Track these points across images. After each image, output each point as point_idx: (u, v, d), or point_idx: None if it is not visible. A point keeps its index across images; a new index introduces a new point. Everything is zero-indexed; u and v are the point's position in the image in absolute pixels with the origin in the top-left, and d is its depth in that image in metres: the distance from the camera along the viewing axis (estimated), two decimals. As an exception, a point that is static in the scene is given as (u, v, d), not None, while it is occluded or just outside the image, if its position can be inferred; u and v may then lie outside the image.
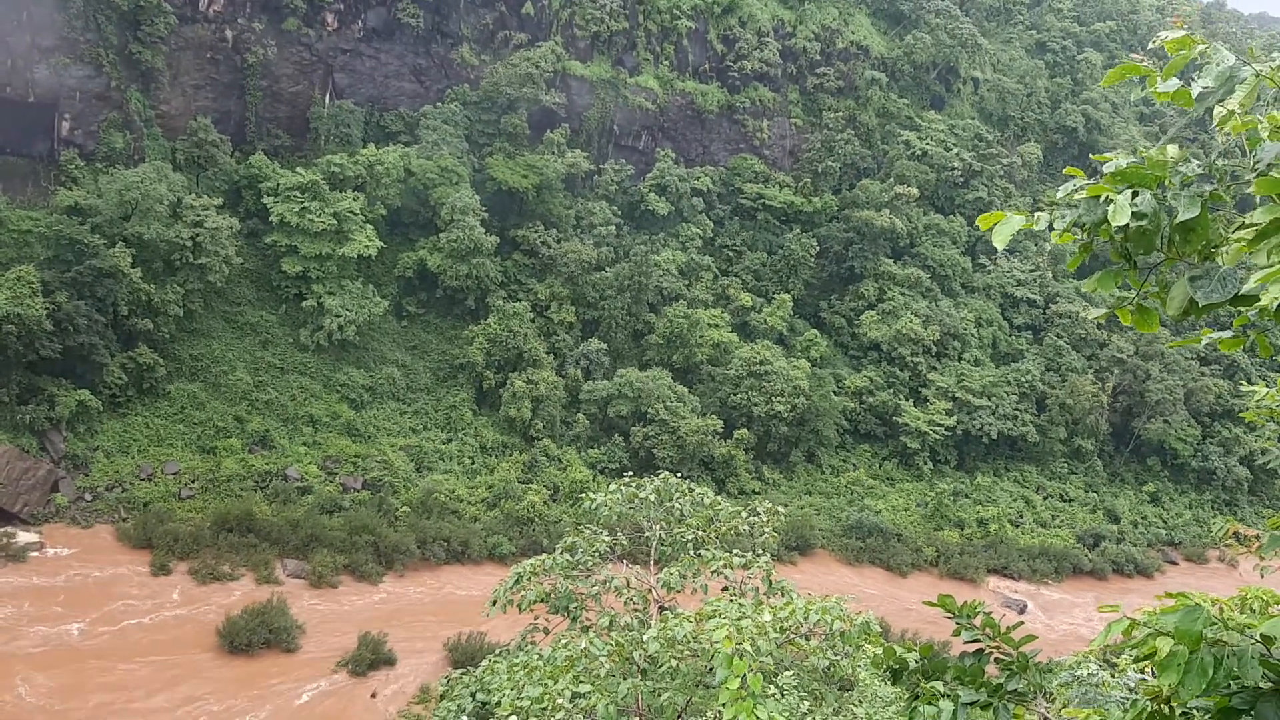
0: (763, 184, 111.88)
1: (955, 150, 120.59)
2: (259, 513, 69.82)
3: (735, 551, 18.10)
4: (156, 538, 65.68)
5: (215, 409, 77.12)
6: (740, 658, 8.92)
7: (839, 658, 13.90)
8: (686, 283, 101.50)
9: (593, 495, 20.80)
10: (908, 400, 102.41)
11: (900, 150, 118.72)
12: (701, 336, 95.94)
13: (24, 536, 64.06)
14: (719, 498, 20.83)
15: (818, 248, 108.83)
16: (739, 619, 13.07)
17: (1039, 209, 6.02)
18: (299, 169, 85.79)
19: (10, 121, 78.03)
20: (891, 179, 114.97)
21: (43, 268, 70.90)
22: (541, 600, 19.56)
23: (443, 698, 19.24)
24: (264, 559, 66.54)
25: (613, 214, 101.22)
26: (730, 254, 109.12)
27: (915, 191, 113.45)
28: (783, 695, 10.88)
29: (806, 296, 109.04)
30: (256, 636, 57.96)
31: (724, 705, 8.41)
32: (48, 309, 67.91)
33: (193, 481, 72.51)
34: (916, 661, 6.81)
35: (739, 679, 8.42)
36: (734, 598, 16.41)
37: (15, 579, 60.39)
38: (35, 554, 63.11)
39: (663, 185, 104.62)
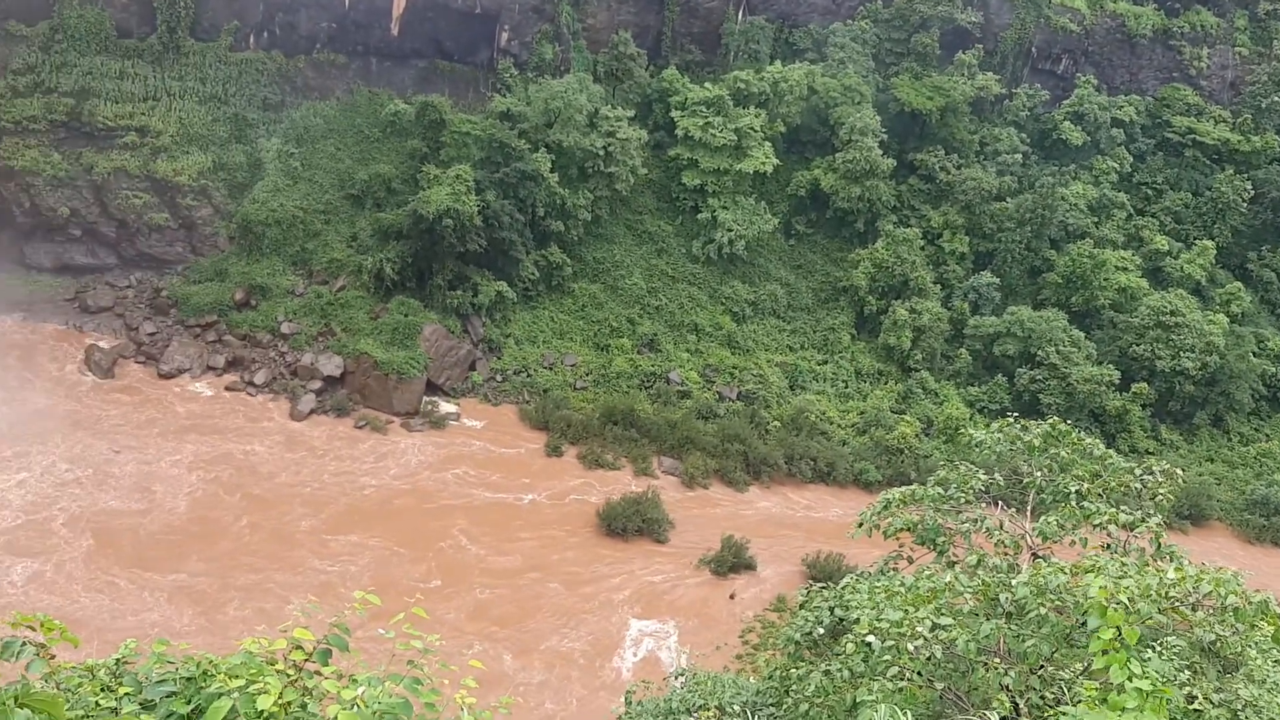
0: (1195, 117, 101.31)
1: None
2: (641, 410, 74.14)
3: (1122, 508, 17.31)
4: (552, 421, 71.81)
5: (611, 309, 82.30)
6: (1115, 609, 8.74)
7: (1228, 634, 13.08)
8: (1095, 220, 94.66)
9: (972, 432, 20.51)
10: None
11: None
12: (1106, 279, 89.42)
13: (445, 407, 72.27)
14: (1109, 451, 19.89)
15: (1252, 192, 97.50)
16: (1119, 577, 12.65)
17: None
18: (707, 84, 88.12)
19: (459, 31, 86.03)
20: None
21: (476, 168, 78.16)
22: (907, 529, 19.69)
23: (801, 607, 19.91)
24: (643, 454, 70.88)
25: (1020, 141, 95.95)
26: (1149, 192, 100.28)
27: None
28: (1160, 658, 10.50)
29: (1233, 245, 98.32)
30: (631, 524, 62.38)
31: (1096, 655, 8.33)
32: (479, 206, 74.92)
33: (587, 374, 78.20)
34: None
35: (1113, 630, 8.28)
36: (1115, 555, 15.79)
37: (445, 442, 68.66)
38: (453, 423, 71.11)
39: (1080, 113, 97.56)
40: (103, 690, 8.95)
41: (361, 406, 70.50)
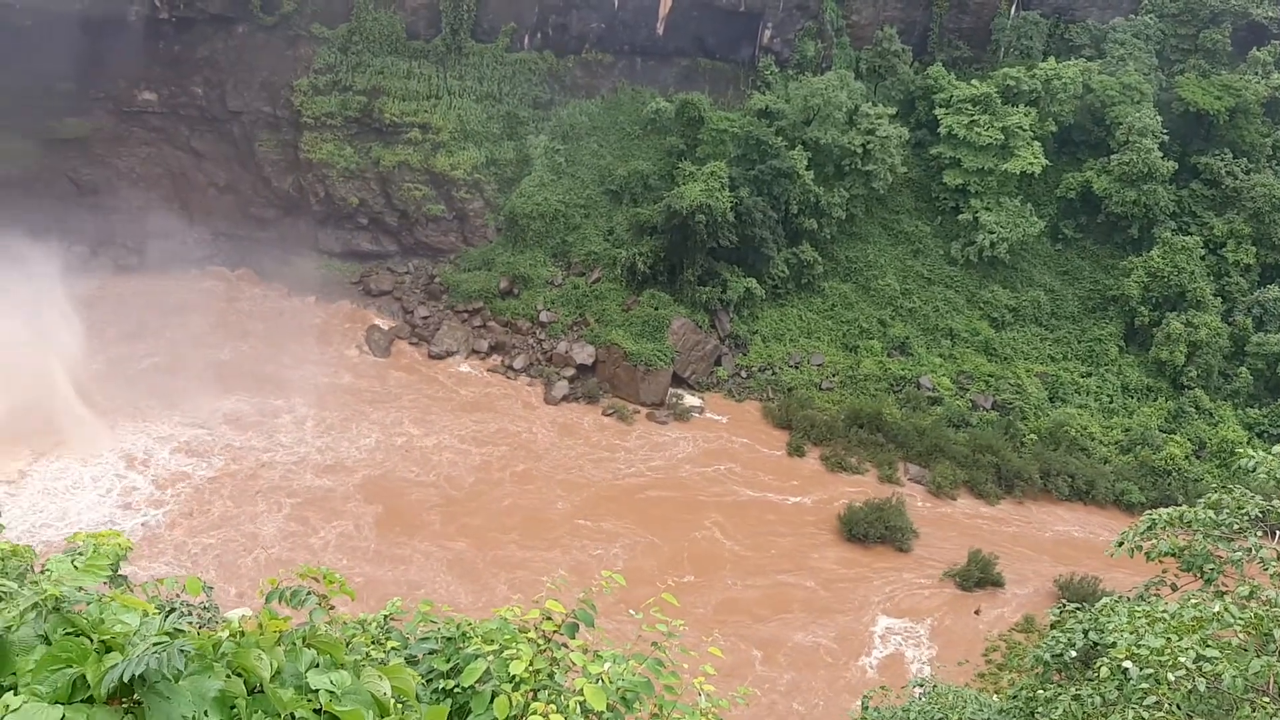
0: None
1: None
2: (889, 415, 72.66)
3: None
4: (796, 421, 71.48)
5: (862, 310, 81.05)
6: None
7: None
8: None
9: (1250, 453, 19.16)
10: None
11: None
12: None
13: (689, 400, 73.40)
14: None
15: None
16: None
17: None
18: (974, 81, 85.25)
19: (724, 29, 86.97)
20: None
21: (732, 164, 78.84)
22: (1172, 554, 18.60)
23: (1053, 627, 19.22)
24: (888, 459, 69.48)
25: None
26: None
27: None
28: None
29: None
30: (873, 530, 61.32)
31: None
32: (732, 202, 75.57)
33: (833, 375, 77.38)
34: None
35: None
36: None
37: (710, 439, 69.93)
38: (696, 416, 72.12)
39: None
40: (373, 642, 9.78)
41: (610, 395, 72.65)
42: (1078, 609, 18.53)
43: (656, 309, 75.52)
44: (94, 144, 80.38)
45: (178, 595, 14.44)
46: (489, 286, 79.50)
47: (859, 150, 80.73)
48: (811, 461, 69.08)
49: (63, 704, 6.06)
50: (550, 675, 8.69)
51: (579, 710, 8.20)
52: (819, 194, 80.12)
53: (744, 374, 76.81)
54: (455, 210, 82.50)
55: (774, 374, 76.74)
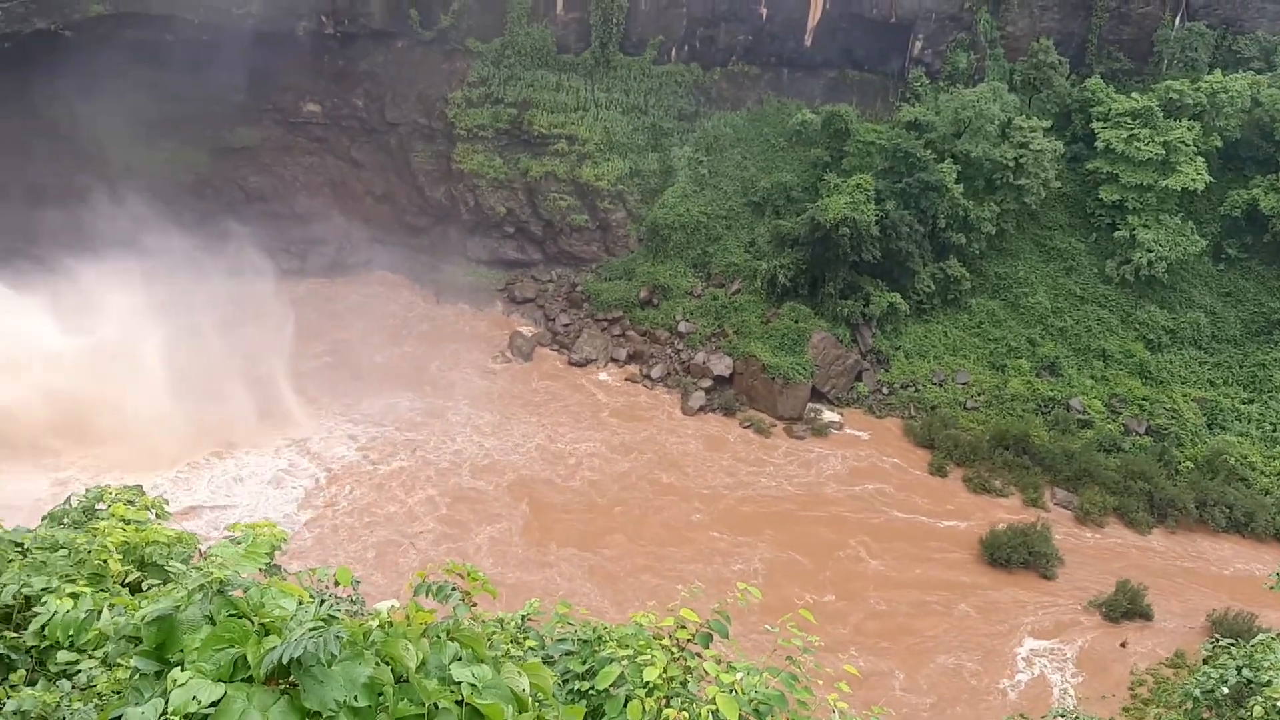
0: None
1: None
2: (1036, 437, 70.34)
3: None
4: (938, 440, 69.88)
5: (1010, 328, 78.79)
6: None
7: None
8: None
9: None
10: None
11: None
12: None
13: (828, 415, 72.54)
14: None
15: None
16: None
17: None
18: (1134, 94, 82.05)
19: (873, 41, 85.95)
20: None
21: (878, 177, 77.72)
22: (1339, 594, 17.70)
23: (1205, 663, 18.46)
24: (1034, 482, 67.28)
25: None
26: None
27: None
28: None
29: None
30: (1016, 555, 59.48)
31: None
32: (877, 216, 74.48)
33: (979, 394, 75.38)
34: None
35: None
36: None
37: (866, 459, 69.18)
38: (835, 432, 71.23)
39: None
40: (512, 641, 10.03)
41: (746, 407, 72.36)
42: (1232, 645, 17.76)
43: (796, 322, 74.92)
44: (261, 153, 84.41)
45: (327, 587, 15.06)
46: (629, 296, 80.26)
47: (1011, 164, 78.58)
48: (954, 482, 67.46)
49: (225, 682, 6.45)
50: (683, 683, 8.77)
51: (711, 719, 8.26)
52: (968, 208, 78.31)
53: (885, 390, 75.51)
54: (598, 220, 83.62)
55: (916, 391, 75.23)
